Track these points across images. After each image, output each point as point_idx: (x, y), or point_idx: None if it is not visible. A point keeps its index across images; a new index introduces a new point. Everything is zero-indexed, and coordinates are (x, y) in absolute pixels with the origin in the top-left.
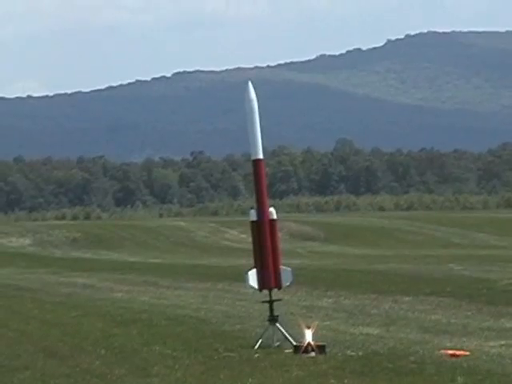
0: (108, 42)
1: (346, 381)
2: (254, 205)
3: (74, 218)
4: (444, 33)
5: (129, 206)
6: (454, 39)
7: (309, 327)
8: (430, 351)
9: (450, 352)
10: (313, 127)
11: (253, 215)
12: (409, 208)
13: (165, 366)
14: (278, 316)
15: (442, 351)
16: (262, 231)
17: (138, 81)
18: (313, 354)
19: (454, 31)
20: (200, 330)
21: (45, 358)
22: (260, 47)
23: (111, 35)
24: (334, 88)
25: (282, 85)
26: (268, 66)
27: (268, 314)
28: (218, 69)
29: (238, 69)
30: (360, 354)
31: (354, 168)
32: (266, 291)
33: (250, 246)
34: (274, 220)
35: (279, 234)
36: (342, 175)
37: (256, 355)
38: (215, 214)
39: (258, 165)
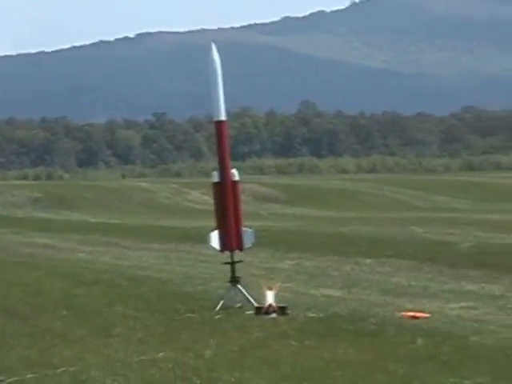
0: (71, 1)
1: (306, 342)
2: (217, 166)
3: (36, 178)
4: None
5: (91, 167)
6: (418, 2)
7: (270, 289)
8: (390, 313)
9: (410, 314)
10: (276, 90)
11: (215, 177)
12: (371, 170)
13: (126, 327)
14: (239, 277)
15: (403, 313)
16: (224, 193)
17: (101, 41)
18: (274, 315)
19: None
20: (161, 291)
21: (5, 317)
22: (224, 8)
23: None
24: (297, 50)
25: (246, 47)
26: (232, 28)
27: (230, 275)
28: (181, 30)
29: (202, 30)
30: (321, 315)
31: (316, 130)
32: (227, 252)
33: (212, 208)
34: (236, 181)
35: (242, 196)
36: (304, 137)
37: (217, 316)
38: (178, 175)
39: (220, 126)
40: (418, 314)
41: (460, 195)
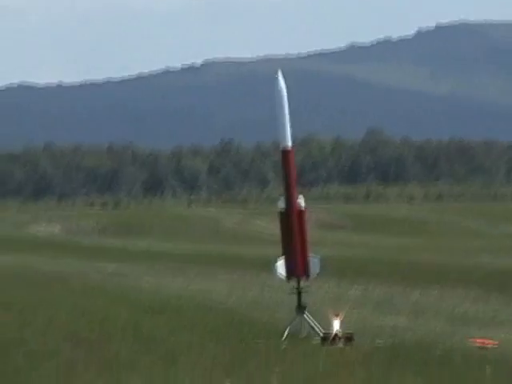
0: (138, 30)
1: (373, 371)
2: (283, 194)
3: (103, 206)
4: (475, 23)
5: (157, 195)
6: (485, 30)
7: (337, 317)
8: (458, 342)
9: (479, 341)
10: (342, 117)
11: (281, 204)
12: (438, 198)
13: (192, 355)
14: (306, 305)
15: (471, 340)
16: (291, 221)
17: (167, 69)
18: (340, 344)
19: (485, 21)
20: (228, 319)
21: (72, 345)
22: (290, 36)
23: (141, 22)
24: (364, 78)
25: (312, 74)
26: (298, 55)
27: (296, 303)
28: (247, 57)
29: (268, 58)
30: (388, 344)
31: (383, 157)
32: (294, 280)
33: (279, 236)
34: (302, 209)
35: (308, 224)
36: (371, 165)
37: (284, 345)
38: (244, 202)
39: (286, 154)
40: (486, 342)
41: None
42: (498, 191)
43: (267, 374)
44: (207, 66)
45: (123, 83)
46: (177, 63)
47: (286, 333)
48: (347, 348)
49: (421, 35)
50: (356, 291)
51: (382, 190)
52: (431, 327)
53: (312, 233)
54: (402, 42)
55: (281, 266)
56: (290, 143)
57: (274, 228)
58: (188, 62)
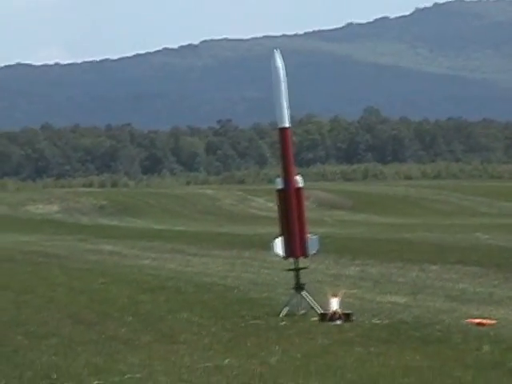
0: (135, 9)
1: (371, 349)
2: (281, 173)
3: (101, 185)
4: (472, 1)
5: (156, 174)
6: (483, 8)
7: (335, 295)
8: (456, 320)
9: (477, 321)
10: (340, 96)
11: (279, 183)
12: (436, 177)
13: (191, 333)
14: (304, 284)
15: (469, 320)
16: (289, 199)
17: (165, 49)
18: (339, 322)
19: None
20: (227, 298)
21: (72, 324)
22: (288, 15)
23: (138, 2)
24: (361, 57)
25: (310, 53)
26: (296, 35)
27: (294, 282)
28: (245, 37)
29: (266, 37)
30: (386, 322)
31: (381, 137)
32: (292, 259)
33: (277, 215)
34: (300, 188)
35: (306, 203)
36: (369, 144)
37: (282, 323)
38: (242, 182)
39: (284, 133)
40: (484, 321)
41: None
42: (495, 169)
43: (266, 352)
44: (205, 45)
45: (121, 62)
46: (174, 44)
47: (284, 311)
48: (346, 325)
49: (418, 13)
50: (355, 270)
51: (379, 169)
52: (430, 305)
53: (310, 212)
54: (400, 20)
55: (279, 245)
56: (287, 121)
57: (271, 207)
58: (185, 42)
